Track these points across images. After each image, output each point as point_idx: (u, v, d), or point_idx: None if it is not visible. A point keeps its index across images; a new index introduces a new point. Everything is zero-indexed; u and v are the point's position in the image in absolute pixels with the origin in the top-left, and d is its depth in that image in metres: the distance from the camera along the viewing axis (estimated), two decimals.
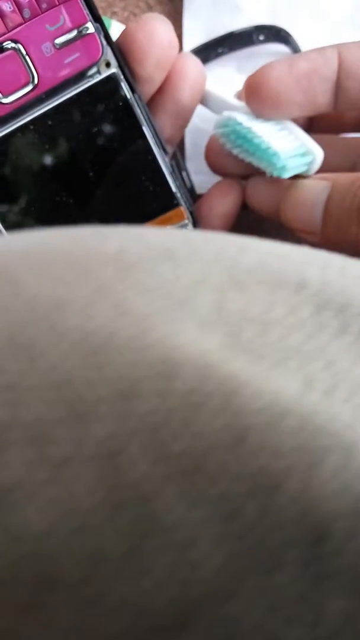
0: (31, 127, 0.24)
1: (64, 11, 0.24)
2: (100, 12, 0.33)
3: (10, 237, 0.15)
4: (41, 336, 0.11)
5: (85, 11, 0.24)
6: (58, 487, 0.10)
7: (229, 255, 0.13)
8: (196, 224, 0.26)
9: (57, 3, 0.24)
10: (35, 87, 0.24)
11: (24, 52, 0.24)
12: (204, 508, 0.10)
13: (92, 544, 0.10)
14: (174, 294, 0.12)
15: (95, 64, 0.24)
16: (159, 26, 0.24)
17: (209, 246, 0.13)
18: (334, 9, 0.32)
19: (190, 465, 0.10)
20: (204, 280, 0.12)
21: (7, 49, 0.24)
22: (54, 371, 0.11)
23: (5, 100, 0.24)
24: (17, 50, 0.24)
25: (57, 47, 0.24)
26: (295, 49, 0.32)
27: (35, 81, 0.24)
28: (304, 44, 0.32)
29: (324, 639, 0.10)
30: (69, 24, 0.24)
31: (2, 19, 0.24)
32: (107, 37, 0.24)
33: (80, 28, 0.24)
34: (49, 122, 0.24)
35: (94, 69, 0.24)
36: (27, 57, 0.24)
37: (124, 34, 0.24)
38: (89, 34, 0.24)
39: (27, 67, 0.24)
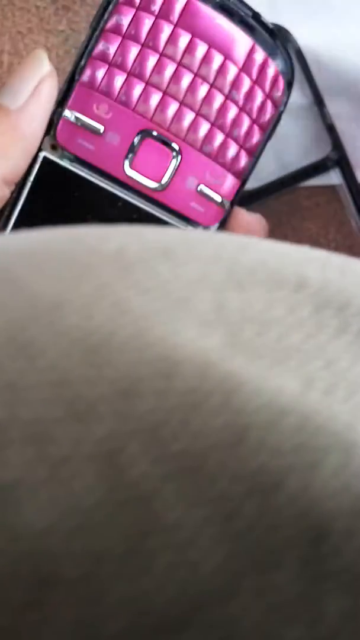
0: (119, 204, 0.25)
1: (226, 178, 0.26)
2: None
3: (11, 236, 0.15)
4: (41, 335, 0.11)
5: (235, 193, 0.26)
6: (57, 486, 0.10)
7: (229, 254, 0.13)
8: None
9: (227, 168, 0.25)
10: (155, 191, 0.25)
11: (176, 163, 0.25)
12: (203, 507, 0.10)
13: (92, 543, 0.10)
14: (173, 293, 0.12)
15: (206, 227, 0.26)
16: (255, 223, 0.26)
17: (208, 245, 0.13)
18: (336, 8, 0.32)
19: (190, 465, 0.10)
20: (204, 280, 0.12)
21: (170, 147, 0.25)
22: (54, 370, 0.11)
23: (129, 173, 0.25)
24: (174, 156, 0.25)
25: (197, 190, 0.25)
26: (295, 48, 0.32)
27: (161, 189, 0.25)
28: (304, 43, 0.32)
29: (323, 639, 0.10)
30: (219, 189, 0.26)
31: (190, 128, 0.25)
32: (228, 216, 0.26)
33: (223, 199, 0.26)
34: (133, 216, 0.25)
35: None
36: (174, 168, 0.25)
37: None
38: (223, 207, 0.26)
39: (167, 172, 0.25)
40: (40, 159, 0.24)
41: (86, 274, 0.12)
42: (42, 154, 0.24)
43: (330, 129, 0.34)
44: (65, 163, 0.25)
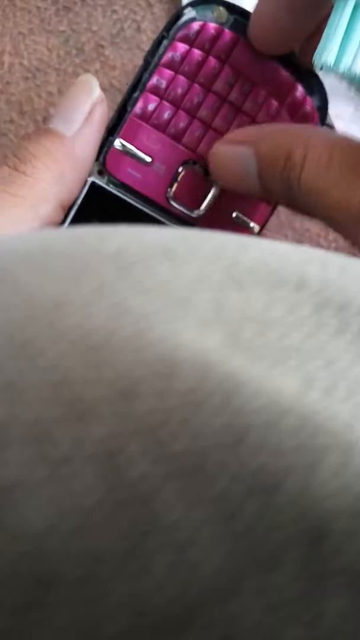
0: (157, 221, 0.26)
1: (259, 205, 0.27)
2: (100, 10, 0.33)
3: (11, 237, 0.15)
4: (41, 335, 0.11)
5: (266, 218, 0.27)
6: (58, 486, 0.10)
7: (228, 254, 0.13)
8: None
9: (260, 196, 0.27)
10: (195, 217, 0.27)
11: (215, 191, 0.26)
12: (203, 507, 0.10)
13: (92, 543, 0.10)
14: (173, 293, 0.12)
15: None
16: None
17: (208, 245, 0.13)
18: None
19: (189, 465, 0.10)
20: (203, 280, 0.12)
21: (211, 177, 0.26)
22: (53, 370, 0.11)
23: (171, 200, 0.26)
24: (214, 185, 0.26)
25: (232, 216, 0.27)
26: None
27: (200, 216, 0.27)
28: None
29: (322, 639, 0.10)
30: (252, 215, 0.27)
31: None
32: None
33: (254, 225, 0.27)
34: None
35: None
36: (213, 196, 0.26)
37: None
38: (253, 232, 0.27)
39: (206, 200, 0.27)
40: (87, 184, 0.25)
41: (86, 274, 0.12)
42: (90, 179, 0.25)
43: (331, 130, 0.34)
44: (111, 188, 0.26)
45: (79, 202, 0.25)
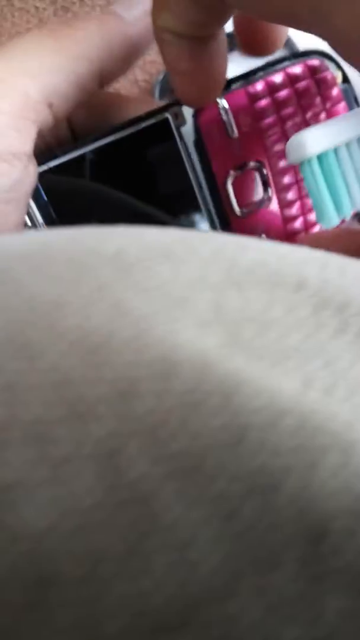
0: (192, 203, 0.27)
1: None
2: (98, 10, 0.33)
3: (10, 237, 0.15)
4: (40, 335, 0.11)
5: None
6: (57, 486, 0.10)
7: (228, 254, 0.13)
8: None
9: (287, 236, 0.28)
10: (234, 215, 0.27)
11: (261, 204, 0.27)
12: (202, 507, 0.10)
13: (92, 543, 0.10)
14: (172, 293, 0.12)
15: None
16: None
17: (207, 246, 0.13)
18: None
19: (189, 465, 0.10)
20: (203, 280, 0.12)
21: (266, 190, 0.27)
22: (53, 371, 0.11)
23: (228, 184, 0.27)
24: (264, 198, 0.27)
25: (259, 236, 0.27)
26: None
27: (239, 217, 0.27)
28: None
29: (322, 638, 0.10)
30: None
31: (288, 190, 0.27)
32: None
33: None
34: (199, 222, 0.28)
35: None
36: (257, 207, 0.27)
37: None
38: None
39: (251, 206, 0.27)
40: (160, 118, 0.25)
41: (85, 275, 0.12)
42: (166, 115, 0.25)
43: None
44: (177, 135, 0.26)
45: (143, 124, 0.25)
